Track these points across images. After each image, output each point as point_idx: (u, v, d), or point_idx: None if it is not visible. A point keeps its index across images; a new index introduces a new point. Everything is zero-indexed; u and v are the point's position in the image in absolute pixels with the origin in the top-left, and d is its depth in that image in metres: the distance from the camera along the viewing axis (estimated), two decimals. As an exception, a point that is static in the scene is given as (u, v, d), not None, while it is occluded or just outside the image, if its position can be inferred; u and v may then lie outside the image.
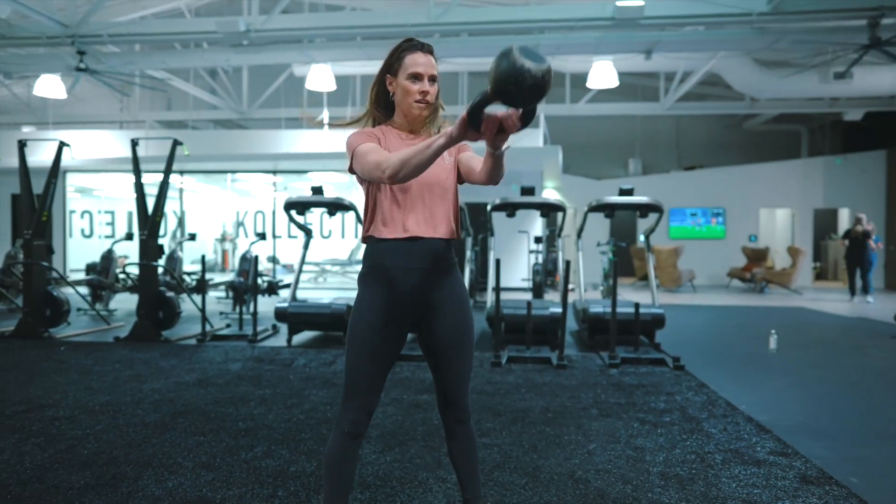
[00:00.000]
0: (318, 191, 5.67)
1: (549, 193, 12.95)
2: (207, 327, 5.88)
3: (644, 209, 5.34)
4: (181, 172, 12.63)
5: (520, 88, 1.26)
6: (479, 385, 4.04)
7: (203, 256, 5.93)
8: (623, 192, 5.37)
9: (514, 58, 1.25)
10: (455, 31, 8.10)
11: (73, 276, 10.83)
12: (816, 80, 10.26)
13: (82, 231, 13.48)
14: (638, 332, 5.12)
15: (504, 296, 5.06)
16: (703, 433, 3.10)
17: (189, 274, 8.60)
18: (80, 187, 13.62)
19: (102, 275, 7.51)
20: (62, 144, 6.09)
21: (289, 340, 5.56)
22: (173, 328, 5.99)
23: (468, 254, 6.95)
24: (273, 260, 11.91)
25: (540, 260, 9.08)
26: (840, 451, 2.88)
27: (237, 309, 7.04)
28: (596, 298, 7.23)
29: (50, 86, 10.10)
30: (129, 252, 10.86)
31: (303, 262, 6.07)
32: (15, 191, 11.35)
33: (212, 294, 9.12)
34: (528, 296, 9.11)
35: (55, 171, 5.95)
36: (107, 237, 13.30)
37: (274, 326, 6.25)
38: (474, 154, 1.77)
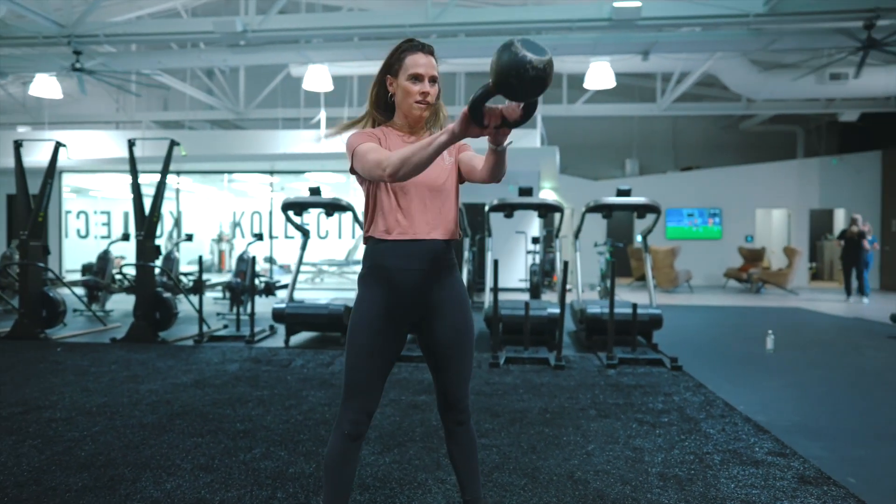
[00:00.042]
0: (315, 191, 5.66)
1: (547, 194, 12.97)
2: (205, 328, 5.86)
3: (642, 210, 5.35)
4: (178, 173, 12.60)
5: (521, 81, 1.25)
6: (477, 386, 4.04)
7: (200, 257, 5.92)
8: (621, 193, 5.38)
9: (515, 50, 1.24)
10: (452, 31, 8.10)
11: (68, 277, 10.79)
12: (812, 81, 10.31)
13: (78, 231, 13.43)
14: (636, 332, 5.12)
15: (501, 296, 5.06)
16: (701, 433, 3.11)
17: (186, 275, 8.58)
18: (76, 187, 13.58)
19: (99, 275, 7.49)
20: (58, 145, 6.07)
21: (286, 341, 5.55)
22: (170, 329, 5.98)
23: (465, 254, 6.95)
24: (270, 260, 11.89)
25: (537, 260, 9.09)
26: (838, 452, 2.89)
27: (234, 310, 7.02)
28: (593, 299, 7.24)
29: (45, 86, 10.07)
30: (126, 253, 10.84)
31: (300, 262, 6.06)
32: (11, 191, 11.30)
33: (208, 295, 9.10)
34: (526, 296, 9.12)
35: (51, 172, 5.92)
36: (103, 238, 13.26)
37: (271, 327, 6.24)
38: (475, 153, 1.77)
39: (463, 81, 12.55)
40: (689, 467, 2.65)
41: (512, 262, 11.17)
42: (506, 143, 1.47)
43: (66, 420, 3.23)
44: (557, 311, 5.20)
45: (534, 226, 11.36)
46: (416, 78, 1.69)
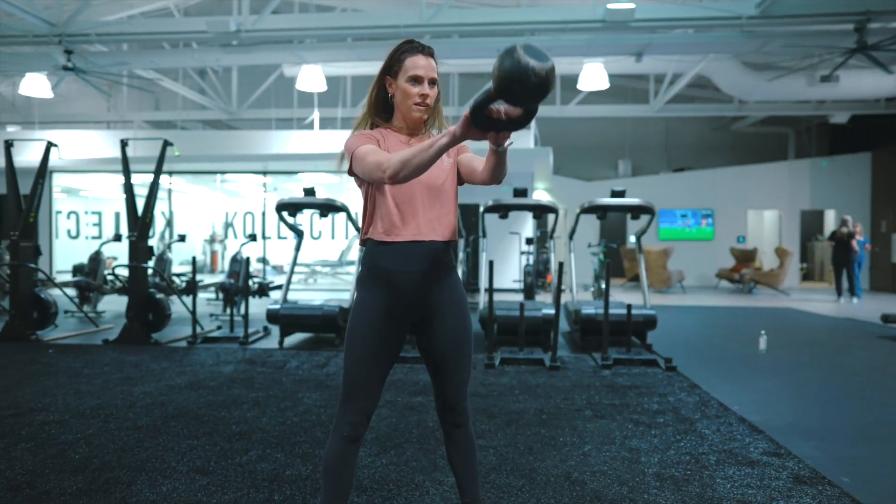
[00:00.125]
0: (310, 192, 5.65)
1: (540, 195, 12.99)
2: (198, 329, 5.83)
3: (636, 211, 5.37)
4: (170, 173, 12.52)
5: (524, 87, 1.25)
6: (472, 387, 4.04)
7: (194, 258, 5.89)
8: (615, 194, 5.40)
9: (517, 56, 1.25)
10: (446, 32, 8.10)
11: (59, 278, 10.70)
12: (804, 84, 10.39)
13: (68, 232, 13.33)
14: (630, 333, 5.14)
15: (495, 297, 5.06)
16: (696, 434, 3.12)
17: (178, 275, 8.53)
18: (67, 188, 13.47)
19: (91, 276, 7.43)
20: (50, 144, 6.02)
21: (281, 342, 5.53)
22: (163, 330, 5.94)
23: (460, 255, 6.96)
24: (263, 261, 11.85)
25: (531, 261, 9.10)
26: (831, 451, 2.91)
27: (228, 311, 6.99)
28: (588, 300, 7.26)
29: (35, 85, 9.98)
30: (118, 253, 10.77)
31: (294, 263, 6.05)
32: (0, 191, 11.20)
33: (201, 296, 9.05)
34: (519, 297, 9.13)
35: (42, 172, 5.88)
36: (93, 238, 13.16)
37: (265, 328, 6.21)
38: (474, 155, 1.77)
39: (457, 82, 12.55)
40: (685, 468, 2.66)
41: (506, 262, 11.18)
42: (506, 144, 1.48)
43: (60, 423, 3.20)
44: (552, 311, 5.21)
45: (528, 226, 11.37)
46: (416, 80, 1.69)
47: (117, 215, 13.40)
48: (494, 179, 1.59)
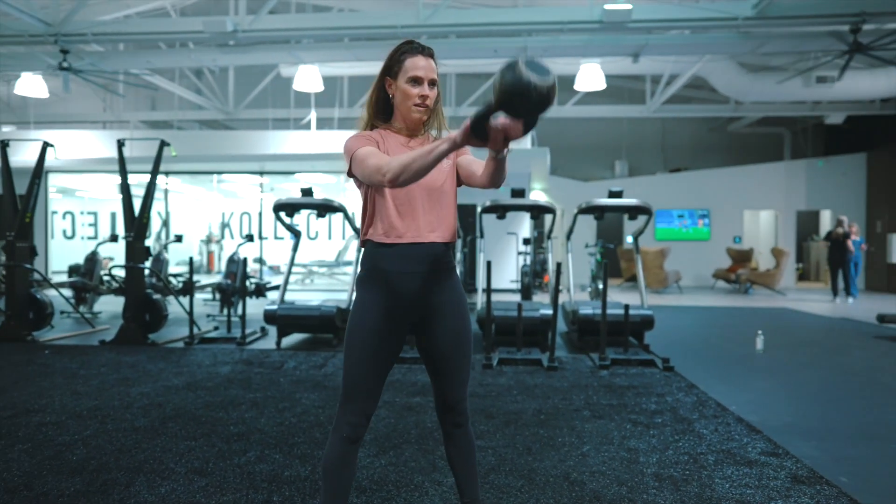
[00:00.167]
0: (307, 192, 5.64)
1: (537, 195, 13.00)
2: (195, 330, 5.82)
3: (634, 211, 5.38)
4: (166, 173, 12.50)
5: (524, 102, 1.27)
6: (470, 387, 4.00)
7: (191, 258, 5.87)
8: (612, 195, 5.41)
9: (519, 72, 1.26)
10: (443, 32, 8.10)
11: (54, 278, 10.66)
12: (799, 84, 10.42)
13: (64, 232, 13.29)
14: (628, 333, 5.15)
15: (492, 297, 5.06)
16: (694, 434, 3.13)
17: (175, 276, 8.50)
18: (62, 188, 13.43)
19: (87, 277, 7.40)
20: (46, 145, 6.00)
21: (278, 343, 5.52)
22: (160, 331, 5.93)
23: (457, 255, 6.96)
24: (260, 261, 11.83)
25: (528, 261, 9.10)
26: (829, 451, 2.92)
27: (225, 311, 6.97)
28: (585, 300, 7.27)
29: (31, 85, 9.95)
30: (114, 254, 10.74)
31: (292, 263, 6.03)
32: (-5, 191, 11.15)
33: (198, 296, 9.02)
34: (517, 297, 9.14)
35: (39, 172, 5.85)
36: (89, 238, 13.12)
37: (262, 329, 6.20)
38: (474, 158, 1.77)
39: (454, 82, 12.55)
40: (683, 468, 2.66)
41: (503, 263, 11.19)
42: (505, 151, 1.48)
43: (57, 424, 3.19)
44: (550, 312, 5.21)
45: (525, 227, 11.38)
46: (416, 81, 1.68)
47: (113, 215, 13.37)
48: (493, 184, 1.60)
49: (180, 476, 2.51)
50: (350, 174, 1.69)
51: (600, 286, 8.82)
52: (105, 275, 7.52)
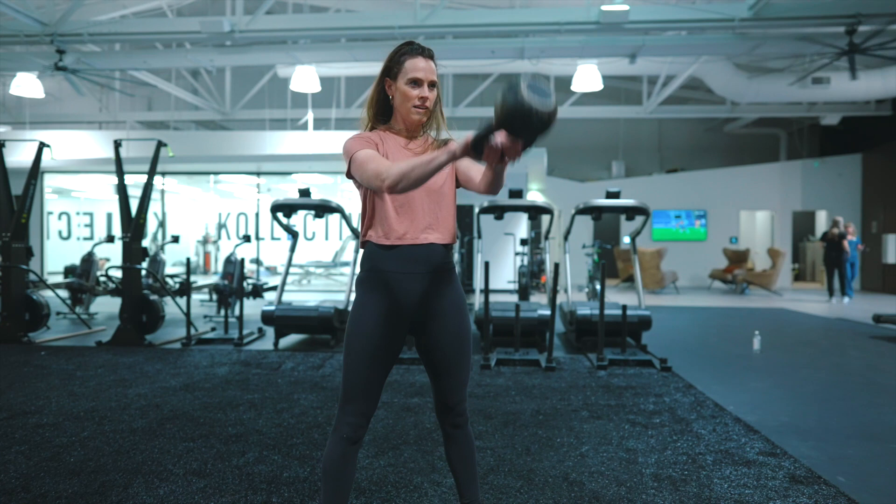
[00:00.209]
0: (305, 193, 5.63)
1: (534, 195, 13.02)
2: (192, 331, 5.80)
3: (631, 212, 5.39)
4: (163, 174, 12.47)
5: (525, 125, 1.29)
6: (469, 388, 4.02)
7: (188, 259, 5.86)
8: (610, 195, 5.41)
9: (521, 95, 1.27)
10: (441, 33, 8.10)
11: (50, 279, 10.62)
12: (795, 86, 10.46)
13: (59, 233, 13.25)
14: (625, 334, 5.16)
15: (490, 298, 5.07)
16: (693, 434, 3.13)
17: (171, 276, 8.48)
18: (58, 188, 13.39)
19: (83, 277, 7.38)
20: (42, 145, 5.98)
21: (275, 344, 5.51)
22: (157, 332, 5.91)
23: (455, 256, 6.96)
24: (257, 262, 11.81)
25: (525, 262, 9.11)
26: (827, 451, 2.93)
27: (222, 312, 6.96)
28: (582, 300, 7.28)
29: (27, 85, 9.91)
30: (110, 254, 10.70)
31: (289, 264, 6.02)
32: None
33: (194, 297, 9.01)
34: (513, 298, 9.15)
35: (35, 172, 5.83)
36: (85, 239, 13.08)
37: (260, 330, 6.19)
38: (473, 162, 1.77)
39: (451, 83, 12.56)
40: (682, 468, 2.67)
41: (500, 263, 11.19)
42: (504, 165, 1.50)
43: (54, 425, 3.18)
44: (548, 312, 5.22)
45: (522, 227, 11.39)
46: (415, 82, 1.68)
47: (109, 216, 13.33)
48: (491, 192, 1.62)
49: (179, 477, 2.50)
50: (349, 175, 1.69)
51: (597, 286, 8.84)
52: (101, 276, 7.50)
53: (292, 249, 6.07)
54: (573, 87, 10.53)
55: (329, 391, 3.94)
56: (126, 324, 5.54)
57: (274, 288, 7.12)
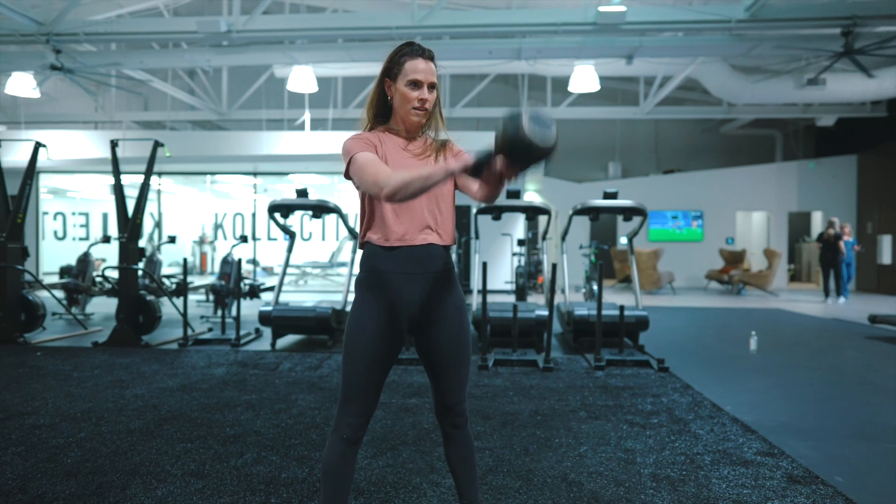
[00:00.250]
0: (302, 193, 5.62)
1: (531, 196, 13.03)
2: (189, 331, 5.78)
3: (629, 212, 5.40)
4: (159, 174, 12.44)
5: (525, 156, 1.32)
6: (467, 388, 4.04)
7: (185, 259, 5.84)
8: (608, 196, 5.42)
9: (522, 127, 1.29)
10: (438, 34, 8.11)
11: (45, 279, 10.58)
12: (791, 87, 10.50)
13: (55, 233, 13.20)
14: (623, 334, 5.16)
15: (488, 298, 5.06)
16: (690, 434, 3.14)
17: (168, 277, 8.46)
18: (53, 188, 13.33)
19: (79, 278, 7.35)
20: (38, 145, 5.95)
21: (273, 344, 5.50)
22: (153, 332, 5.90)
23: (452, 256, 6.95)
24: (253, 262, 11.78)
25: (523, 262, 9.12)
26: (824, 451, 2.94)
27: (219, 313, 6.94)
28: (580, 301, 7.28)
29: (22, 84, 9.86)
30: (106, 255, 10.67)
31: (287, 264, 6.01)
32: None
33: (191, 297, 8.98)
34: (510, 298, 9.15)
35: (31, 172, 5.81)
36: (81, 239, 13.03)
37: (257, 330, 6.18)
38: None
39: (448, 83, 12.57)
40: (680, 468, 2.67)
41: (497, 264, 11.20)
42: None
43: (50, 426, 3.16)
44: (545, 313, 5.22)
45: (519, 228, 11.40)
46: (415, 84, 1.68)
47: (105, 216, 13.29)
48: (488, 201, 1.64)
49: (177, 478, 2.49)
50: (347, 176, 1.69)
51: (594, 287, 8.85)
52: (97, 276, 7.47)
53: (289, 250, 6.06)
54: (570, 88, 10.55)
55: (327, 392, 3.94)
56: (123, 324, 5.52)
57: (271, 288, 7.11)
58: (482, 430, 3.17)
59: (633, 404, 3.71)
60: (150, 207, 12.45)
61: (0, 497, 2.31)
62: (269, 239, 12.90)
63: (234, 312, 6.47)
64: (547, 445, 2.95)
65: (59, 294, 7.42)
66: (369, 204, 1.73)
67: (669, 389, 4.09)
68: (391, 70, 1.71)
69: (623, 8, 7.11)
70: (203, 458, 2.72)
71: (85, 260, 7.46)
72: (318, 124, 12.63)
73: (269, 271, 12.90)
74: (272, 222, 5.97)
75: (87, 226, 13.33)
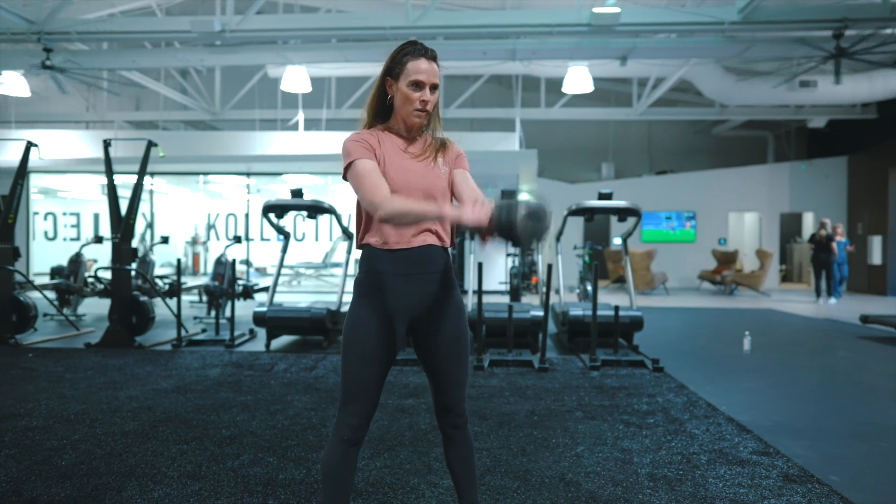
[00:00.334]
0: (297, 193, 5.60)
1: (524, 197, 13.03)
2: (182, 332, 5.75)
3: (624, 213, 5.42)
4: (152, 174, 12.35)
5: (514, 240, 1.41)
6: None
7: (179, 260, 5.81)
8: (602, 196, 5.44)
9: (516, 221, 1.38)
10: (432, 34, 8.11)
11: (35, 280, 10.48)
12: (783, 89, 10.58)
13: (45, 233, 13.09)
14: (618, 334, 5.18)
15: (482, 299, 5.07)
16: (686, 434, 3.15)
17: (160, 278, 8.41)
18: (44, 188, 13.22)
19: (71, 278, 7.29)
20: (30, 144, 5.90)
21: (267, 345, 5.47)
22: (147, 333, 5.86)
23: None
24: (246, 263, 11.73)
25: (517, 263, 9.13)
26: (819, 450, 2.96)
27: (212, 313, 6.91)
28: (574, 301, 7.30)
29: (12, 83, 9.79)
30: (98, 255, 10.59)
31: (281, 265, 5.99)
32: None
33: (184, 298, 8.93)
34: (505, 299, 9.15)
35: (22, 172, 5.76)
36: (72, 240, 12.93)
37: (251, 331, 6.15)
38: (465, 178, 1.76)
39: (442, 84, 12.54)
40: (677, 468, 2.68)
41: (491, 264, 11.18)
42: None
43: (44, 428, 3.13)
44: (540, 313, 5.23)
45: (513, 228, 11.38)
46: (417, 85, 1.67)
47: (96, 216, 13.19)
48: None
49: (173, 480, 2.48)
50: (346, 177, 1.69)
51: (589, 287, 8.87)
52: (89, 276, 7.42)
53: (284, 250, 6.04)
54: (564, 89, 10.57)
55: (323, 393, 3.92)
56: (116, 325, 5.48)
57: (264, 289, 7.08)
58: (479, 430, 3.17)
59: (628, 404, 3.72)
60: (143, 208, 12.37)
61: (-6, 500, 2.29)
62: (262, 239, 12.84)
63: (227, 313, 6.44)
64: (544, 445, 2.95)
65: (51, 295, 7.36)
66: None
67: (665, 389, 4.11)
68: (393, 69, 1.70)
69: (617, 9, 7.14)
70: (199, 460, 2.70)
71: (77, 260, 7.41)
72: (311, 124, 12.60)
73: (262, 272, 12.85)
74: (265, 223, 5.95)
75: (77, 226, 13.23)
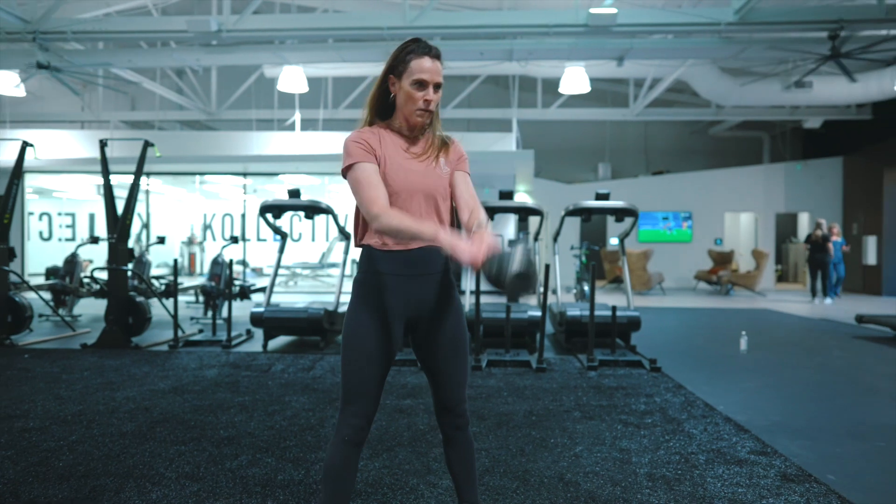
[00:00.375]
0: (295, 193, 5.59)
1: (521, 197, 13.06)
2: (179, 333, 5.73)
3: (621, 213, 5.43)
4: (148, 174, 12.31)
5: (501, 291, 1.45)
6: (461, 389, 4.04)
7: (175, 261, 5.79)
8: (600, 197, 5.45)
9: (504, 280, 1.41)
10: (429, 34, 8.08)
11: (30, 281, 10.44)
12: (778, 89, 10.62)
13: (40, 234, 13.04)
14: (615, 334, 5.19)
15: (480, 299, 5.06)
16: (684, 434, 3.16)
17: (157, 278, 8.38)
18: (39, 188, 13.17)
19: (66, 279, 7.26)
20: (26, 144, 5.88)
21: (265, 346, 5.46)
22: (143, 334, 5.84)
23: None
24: (243, 263, 11.70)
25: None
26: (816, 450, 2.97)
27: (209, 314, 6.89)
28: (571, 302, 7.31)
29: (7, 83, 9.74)
30: (94, 256, 10.55)
31: (278, 265, 5.98)
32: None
33: (180, 299, 8.90)
34: (502, 299, 9.15)
35: (18, 172, 5.73)
36: (67, 240, 12.88)
37: (248, 331, 6.13)
38: (465, 183, 1.76)
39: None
40: (675, 467, 2.69)
41: (488, 264, 11.18)
42: None
43: (40, 429, 3.12)
44: (538, 313, 5.24)
45: (510, 229, 11.41)
46: (421, 84, 1.65)
47: (92, 217, 13.14)
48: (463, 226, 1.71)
49: (171, 481, 2.47)
50: (345, 176, 1.68)
51: (585, 287, 8.88)
52: (86, 277, 7.39)
53: (281, 251, 6.03)
54: (561, 90, 10.59)
55: (320, 393, 3.92)
56: (112, 326, 5.46)
57: (261, 289, 7.06)
58: (477, 430, 3.17)
59: (626, 404, 3.73)
60: (139, 208, 12.32)
61: (-9, 501, 2.27)
62: (259, 240, 12.82)
63: (224, 314, 6.42)
64: (542, 446, 2.95)
65: (47, 295, 7.32)
66: None
67: (662, 389, 4.12)
68: (396, 67, 1.68)
69: (614, 10, 7.16)
70: (197, 461, 2.69)
71: (72, 261, 7.37)
72: (308, 124, 12.58)
73: (258, 272, 12.82)
74: (262, 223, 5.94)
75: (73, 226, 13.17)
